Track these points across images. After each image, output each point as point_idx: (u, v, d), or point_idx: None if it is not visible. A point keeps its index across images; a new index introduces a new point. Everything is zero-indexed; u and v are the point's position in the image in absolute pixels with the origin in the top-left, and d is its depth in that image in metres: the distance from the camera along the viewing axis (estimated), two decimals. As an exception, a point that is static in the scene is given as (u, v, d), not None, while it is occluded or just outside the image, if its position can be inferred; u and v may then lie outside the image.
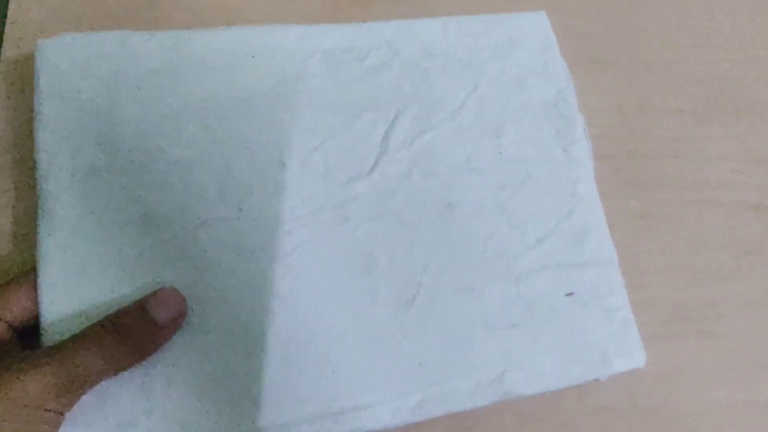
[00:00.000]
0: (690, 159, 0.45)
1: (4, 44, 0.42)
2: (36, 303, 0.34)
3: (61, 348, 0.31)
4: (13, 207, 0.39)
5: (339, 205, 0.39)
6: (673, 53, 0.48)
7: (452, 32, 0.44)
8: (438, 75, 0.43)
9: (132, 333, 0.32)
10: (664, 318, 0.41)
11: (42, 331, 0.34)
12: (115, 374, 0.33)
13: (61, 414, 0.31)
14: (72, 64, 0.38)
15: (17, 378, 0.29)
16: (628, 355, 0.38)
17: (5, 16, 0.43)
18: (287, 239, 0.37)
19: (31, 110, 0.37)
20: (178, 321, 0.34)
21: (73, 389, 0.30)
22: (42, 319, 0.34)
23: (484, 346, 0.37)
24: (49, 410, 0.30)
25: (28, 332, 0.34)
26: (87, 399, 0.32)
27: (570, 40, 0.45)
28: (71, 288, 0.34)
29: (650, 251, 0.43)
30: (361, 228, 0.38)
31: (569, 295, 0.39)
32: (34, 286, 0.34)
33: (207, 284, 0.36)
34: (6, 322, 0.33)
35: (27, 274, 0.35)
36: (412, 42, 0.43)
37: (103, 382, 0.33)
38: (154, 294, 0.34)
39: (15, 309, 0.33)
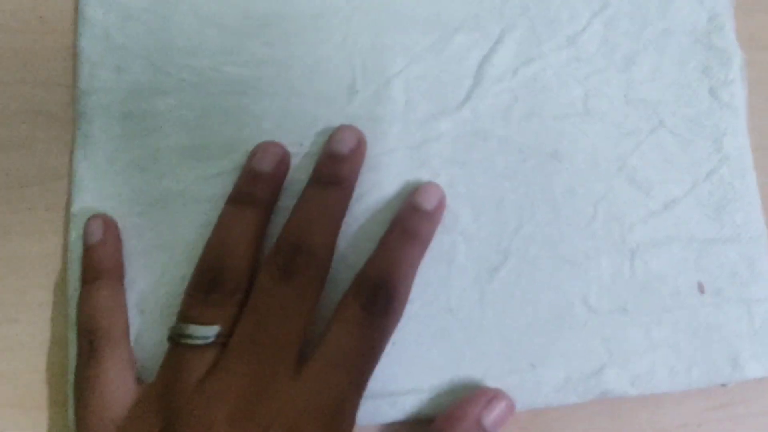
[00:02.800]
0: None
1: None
2: None
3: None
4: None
5: (417, 145, 0.32)
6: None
7: (580, -67, 0.35)
8: (556, -12, 0.34)
9: None
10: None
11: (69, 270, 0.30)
12: None
13: None
14: (122, -39, 0.33)
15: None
16: (768, 359, 0.30)
17: None
18: (353, 183, 0.32)
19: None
20: None
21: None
22: (70, 249, 0.30)
23: (581, 332, 0.31)
24: None
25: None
26: None
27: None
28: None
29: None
30: (442, 175, 0.32)
31: (701, 290, 0.31)
32: None
33: (255, 230, 0.31)
34: None
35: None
36: (526, -56, 0.34)
37: None
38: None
39: None
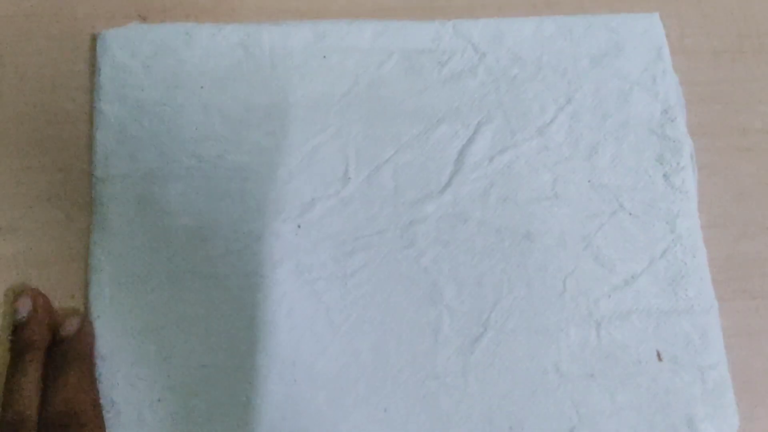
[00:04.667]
0: (730, 103, 0.40)
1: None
2: None
3: None
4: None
5: (405, 226, 0.35)
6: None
7: (547, 34, 0.39)
8: (527, 84, 0.38)
9: None
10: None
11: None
12: None
13: None
14: (135, 57, 0.36)
15: None
16: (720, 421, 0.34)
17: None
18: (347, 261, 0.35)
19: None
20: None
21: None
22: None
23: (554, 397, 0.34)
24: None
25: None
26: None
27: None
28: (120, 300, 0.33)
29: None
30: (428, 254, 0.35)
31: (659, 358, 0.34)
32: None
33: (257, 305, 0.34)
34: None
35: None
36: (500, 45, 0.39)
37: None
38: None
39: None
